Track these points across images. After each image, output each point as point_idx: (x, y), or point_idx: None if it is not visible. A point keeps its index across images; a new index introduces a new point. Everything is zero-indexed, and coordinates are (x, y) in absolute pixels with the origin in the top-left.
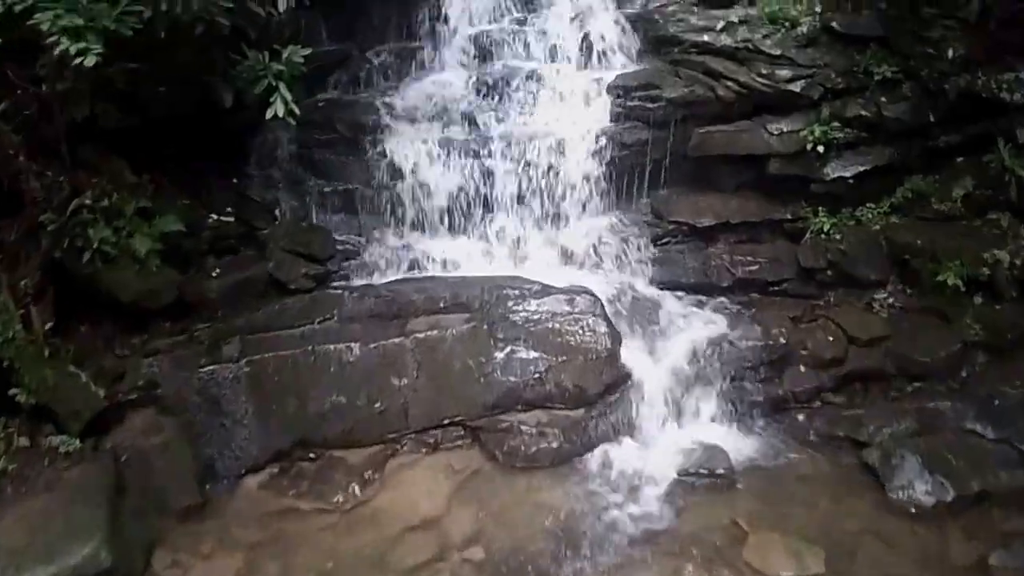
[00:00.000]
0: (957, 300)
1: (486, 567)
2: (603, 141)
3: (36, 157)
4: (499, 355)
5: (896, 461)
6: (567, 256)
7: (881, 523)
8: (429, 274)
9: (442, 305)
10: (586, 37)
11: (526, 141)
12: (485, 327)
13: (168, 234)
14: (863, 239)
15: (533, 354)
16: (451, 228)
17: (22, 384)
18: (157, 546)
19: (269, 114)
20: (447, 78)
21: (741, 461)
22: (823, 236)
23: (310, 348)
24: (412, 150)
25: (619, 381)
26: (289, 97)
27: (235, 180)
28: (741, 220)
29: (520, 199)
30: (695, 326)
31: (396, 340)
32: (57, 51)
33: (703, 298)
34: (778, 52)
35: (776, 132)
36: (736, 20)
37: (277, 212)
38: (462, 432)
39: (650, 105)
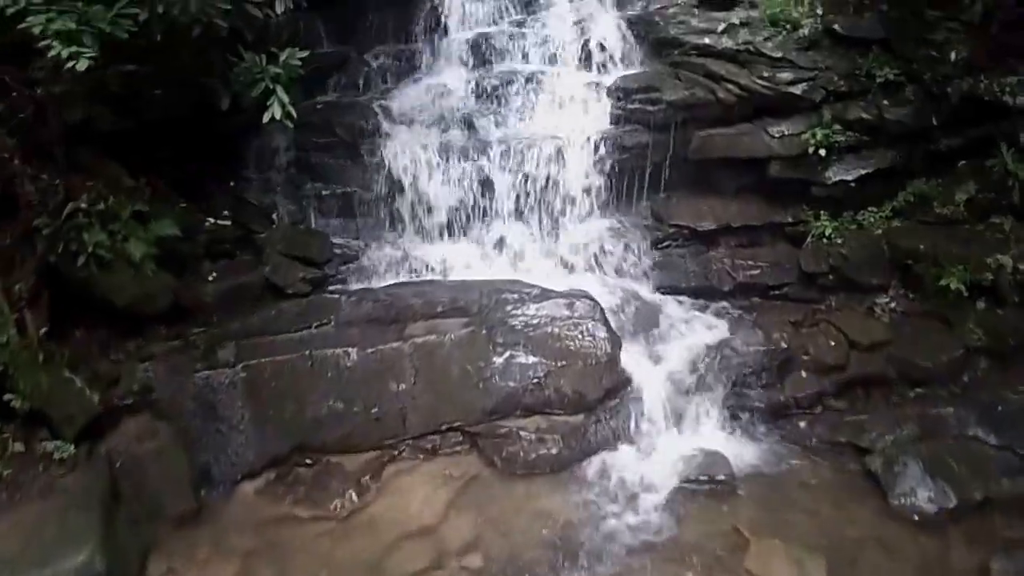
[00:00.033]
0: (959, 305)
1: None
2: (603, 144)
3: (31, 160)
4: (498, 360)
5: (898, 468)
6: (567, 260)
7: (883, 530)
8: (427, 278)
9: (440, 309)
10: (586, 40)
11: (525, 145)
12: (484, 332)
13: (164, 238)
14: (865, 243)
15: (532, 359)
16: (450, 232)
17: (16, 389)
18: (152, 552)
19: (266, 117)
20: (446, 81)
21: (742, 467)
22: (824, 240)
23: (307, 353)
24: (410, 154)
25: (619, 387)
26: (286, 100)
27: (232, 183)
28: (742, 224)
29: (519, 203)
30: (696, 331)
31: (394, 345)
32: (49, 55)
33: (704, 302)
34: (779, 54)
35: (777, 135)
36: (737, 22)
37: (274, 216)
38: (460, 438)
39: (650, 108)
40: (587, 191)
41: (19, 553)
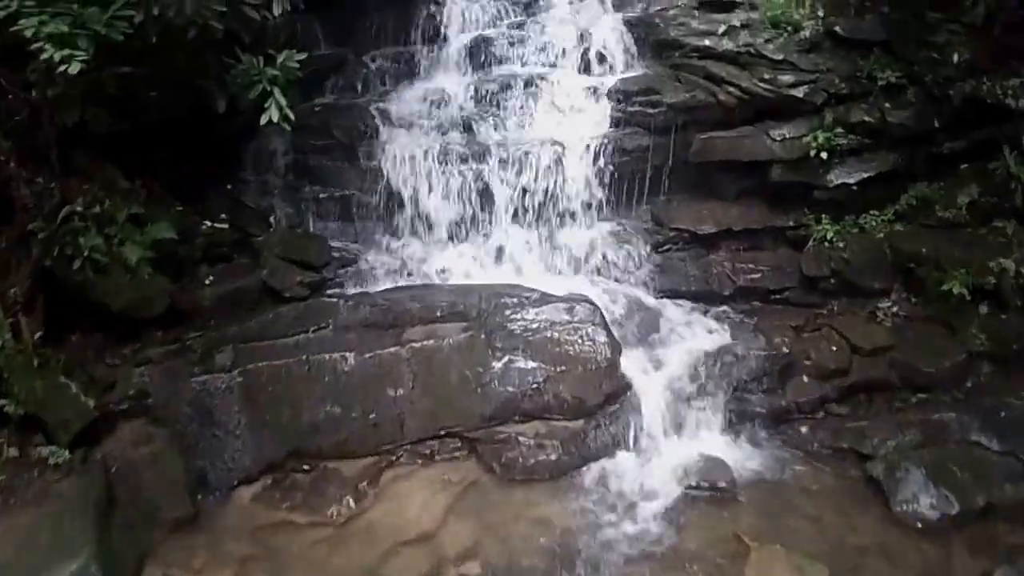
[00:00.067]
0: (962, 309)
1: None
2: (603, 147)
3: (26, 163)
4: (497, 365)
5: (900, 474)
6: (566, 263)
7: (885, 538)
8: (426, 282)
9: (439, 314)
10: (585, 42)
11: (525, 148)
12: (483, 336)
13: (160, 241)
14: (867, 247)
15: (531, 364)
16: (448, 235)
17: (11, 394)
18: (148, 559)
19: (264, 119)
20: (445, 84)
21: (743, 474)
22: (826, 244)
23: (304, 357)
24: (409, 157)
25: (619, 392)
26: (284, 102)
27: (229, 186)
28: (743, 227)
29: (518, 206)
30: (696, 335)
31: (392, 349)
32: (42, 58)
33: (704, 306)
34: (780, 57)
35: (779, 138)
36: (738, 24)
37: (272, 219)
38: (459, 443)
39: (651, 111)
40: (587, 194)
41: (13, 560)
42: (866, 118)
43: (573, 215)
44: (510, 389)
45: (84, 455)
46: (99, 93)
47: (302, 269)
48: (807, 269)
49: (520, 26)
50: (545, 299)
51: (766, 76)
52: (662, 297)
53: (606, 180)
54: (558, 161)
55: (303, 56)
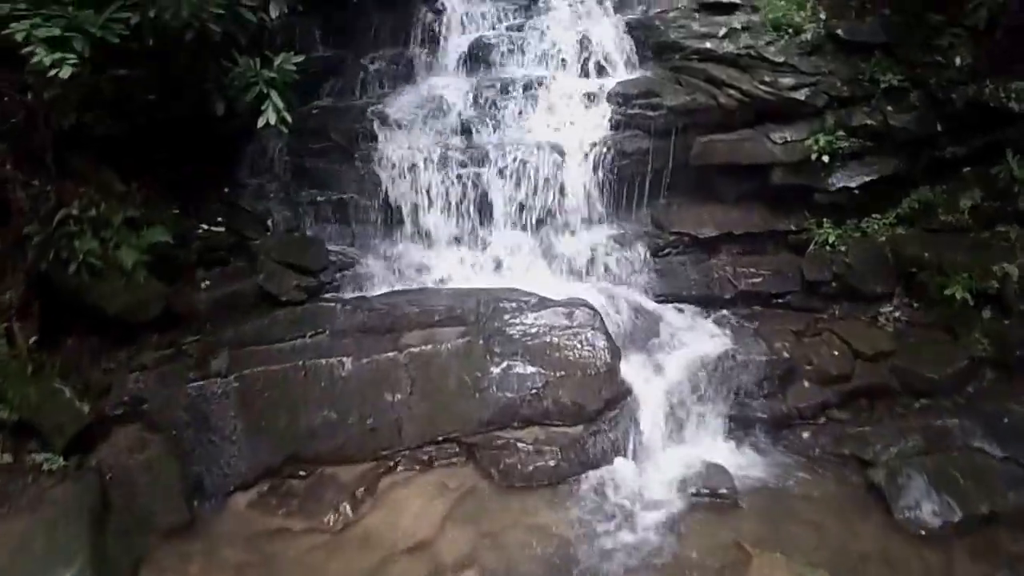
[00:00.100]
0: (965, 314)
1: None
2: (603, 150)
3: (22, 166)
4: (495, 370)
5: (903, 480)
6: (566, 267)
7: (887, 545)
8: (424, 286)
9: (437, 318)
10: (585, 44)
11: (524, 151)
12: (481, 341)
13: (156, 245)
14: (868, 251)
15: (530, 369)
16: (447, 239)
17: (5, 400)
18: (143, 566)
19: (261, 122)
20: (443, 86)
21: (744, 480)
22: (827, 248)
23: (301, 363)
24: (407, 159)
25: (619, 397)
26: (281, 105)
27: (226, 189)
28: (744, 231)
29: (517, 209)
30: (697, 340)
31: (389, 354)
32: (33, 61)
33: (705, 311)
34: (781, 59)
35: (780, 141)
36: (738, 26)
37: (269, 222)
38: (457, 449)
39: (651, 113)
40: (586, 198)
41: (7, 566)
42: (868, 121)
43: (572, 219)
44: (509, 394)
45: (79, 461)
46: (96, 96)
47: (299, 273)
48: (808, 273)
49: (519, 28)
50: (544, 303)
51: (767, 79)
52: (662, 301)
53: (606, 183)
54: (557, 164)
55: (300, 58)
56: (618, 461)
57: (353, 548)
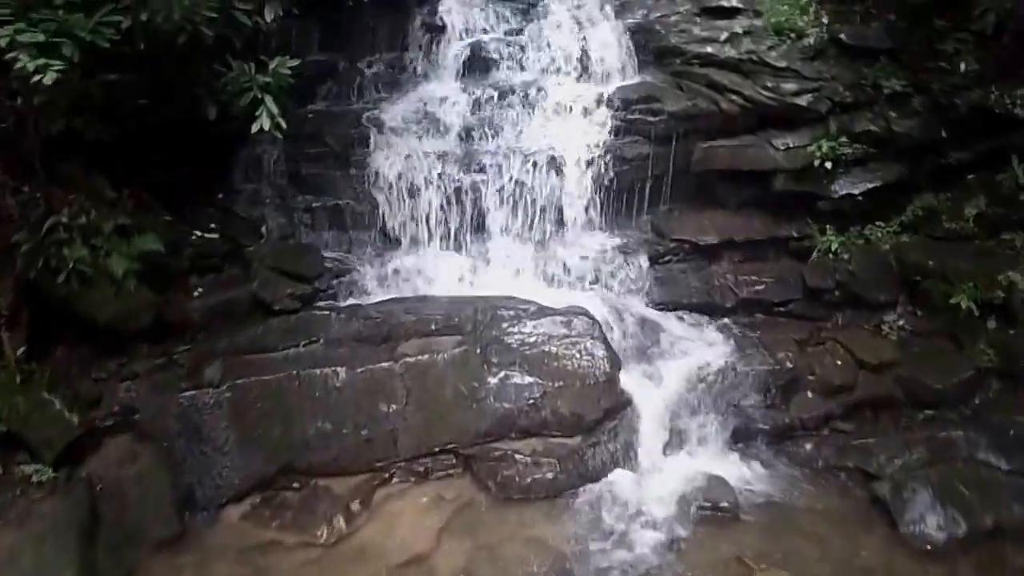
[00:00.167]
0: (970, 324)
1: None
2: (602, 156)
3: (12, 172)
4: (492, 380)
5: (907, 494)
6: (564, 275)
7: (892, 559)
8: (420, 293)
9: (433, 327)
10: (585, 49)
11: (522, 157)
12: (478, 351)
13: (147, 253)
14: (872, 259)
15: (528, 379)
16: (444, 246)
17: None
18: None
19: (255, 127)
20: (441, 90)
21: (746, 493)
22: (830, 255)
23: (295, 372)
24: (404, 166)
25: (618, 407)
26: (275, 110)
27: (220, 195)
28: (745, 238)
29: (515, 216)
30: (698, 349)
31: (385, 364)
32: (16, 67)
33: (706, 319)
34: (784, 64)
35: (782, 147)
36: (740, 31)
37: (263, 228)
38: (453, 460)
39: (651, 119)
40: (586, 204)
41: None
42: (871, 127)
43: (571, 226)
44: (506, 405)
45: (68, 473)
46: (86, 100)
47: (294, 281)
48: (811, 281)
49: (518, 33)
50: (542, 312)
51: (769, 84)
52: (663, 309)
53: (605, 190)
54: (556, 170)
55: (296, 62)
56: (617, 473)
57: (347, 562)
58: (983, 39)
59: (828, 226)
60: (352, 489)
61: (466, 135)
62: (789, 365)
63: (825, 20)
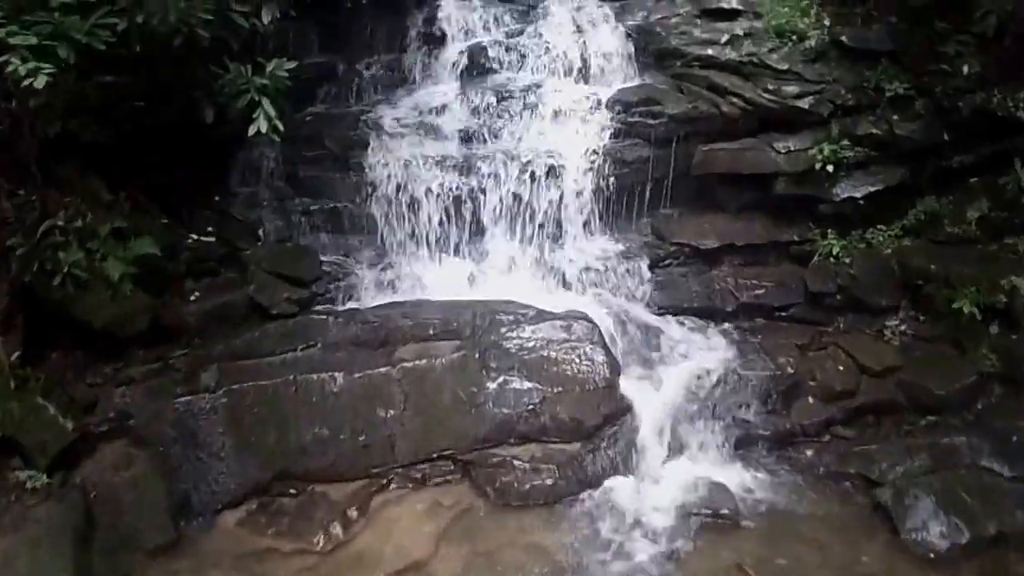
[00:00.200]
0: (972, 328)
1: None
2: (602, 159)
3: (7, 175)
4: (491, 385)
5: (909, 501)
6: (564, 279)
7: (893, 567)
8: (418, 297)
9: (431, 332)
10: (585, 51)
11: (521, 159)
12: (476, 355)
13: (143, 256)
14: (874, 263)
15: (527, 384)
16: (442, 249)
17: None
18: None
19: (252, 130)
20: (440, 93)
21: (746, 499)
22: (832, 259)
23: (292, 377)
24: (402, 168)
25: (618, 413)
26: (273, 113)
27: (217, 197)
28: (746, 242)
29: (514, 219)
30: (698, 354)
31: (382, 369)
32: (7, 71)
33: (706, 324)
34: (785, 67)
35: (783, 150)
36: (741, 33)
37: (261, 231)
38: (451, 466)
39: (651, 121)
40: (585, 207)
41: None
42: (873, 130)
43: (571, 229)
44: (505, 410)
45: (63, 479)
46: (82, 103)
47: (291, 285)
48: (812, 285)
49: (518, 34)
50: (541, 316)
51: (770, 86)
52: (663, 314)
53: (605, 193)
54: (555, 173)
55: (293, 65)
56: (617, 479)
57: (344, 569)
58: (984, 41)
59: (829, 230)
60: (349, 495)
61: (465, 137)
62: (790, 370)
63: (826, 22)
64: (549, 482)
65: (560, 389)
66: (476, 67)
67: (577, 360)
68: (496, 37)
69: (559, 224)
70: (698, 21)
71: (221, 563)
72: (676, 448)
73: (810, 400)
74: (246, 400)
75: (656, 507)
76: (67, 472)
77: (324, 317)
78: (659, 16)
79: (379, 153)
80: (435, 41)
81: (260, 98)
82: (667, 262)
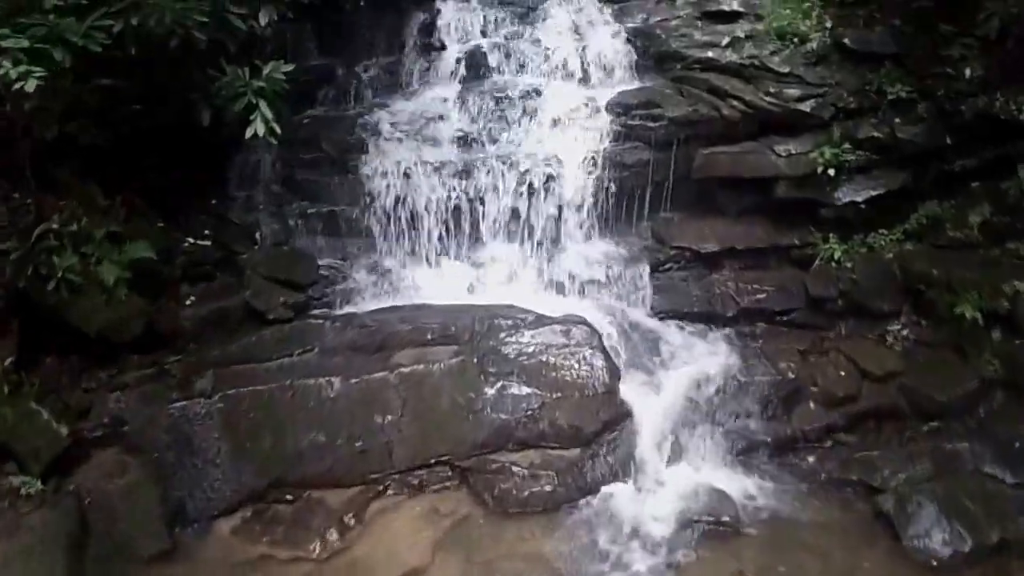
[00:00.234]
0: (975, 334)
1: None
2: (602, 162)
3: (2, 178)
4: (490, 391)
5: (912, 508)
6: (563, 283)
7: (895, 575)
8: (416, 302)
9: (429, 337)
10: (584, 53)
11: (520, 162)
12: (475, 361)
13: (139, 261)
14: (875, 267)
15: (526, 390)
16: (440, 253)
17: None
18: None
19: (249, 133)
20: (438, 95)
21: (747, 506)
22: (833, 264)
23: (288, 382)
24: (401, 171)
25: (618, 419)
26: (270, 115)
27: (214, 201)
28: (746, 246)
29: (513, 223)
30: (698, 359)
31: (380, 374)
32: None
33: (707, 328)
34: (786, 69)
35: (784, 154)
36: (742, 35)
37: (257, 235)
38: (449, 473)
39: (651, 124)
40: (585, 211)
41: None
42: (875, 134)
43: (570, 233)
44: (503, 416)
45: (57, 485)
46: (79, 105)
47: (288, 289)
48: (813, 290)
49: (517, 37)
50: (540, 321)
51: (771, 89)
52: (663, 318)
53: (605, 196)
54: (555, 176)
55: (291, 67)
56: (617, 486)
57: None
58: (987, 44)
59: (831, 234)
60: (346, 502)
61: (463, 140)
62: (791, 375)
63: (828, 24)
64: (548, 489)
65: (559, 394)
66: (475, 69)
67: (576, 365)
68: (496, 40)
69: (558, 227)
70: (698, 23)
71: (216, 571)
72: (676, 454)
73: (811, 406)
74: (242, 405)
75: (656, 514)
76: (61, 478)
77: (321, 322)
78: (659, 18)
79: (377, 156)
80: (434, 44)
81: (257, 101)
82: (667, 266)
